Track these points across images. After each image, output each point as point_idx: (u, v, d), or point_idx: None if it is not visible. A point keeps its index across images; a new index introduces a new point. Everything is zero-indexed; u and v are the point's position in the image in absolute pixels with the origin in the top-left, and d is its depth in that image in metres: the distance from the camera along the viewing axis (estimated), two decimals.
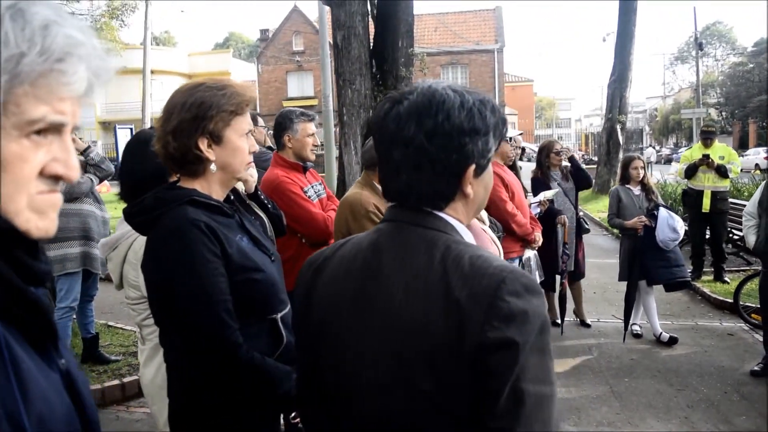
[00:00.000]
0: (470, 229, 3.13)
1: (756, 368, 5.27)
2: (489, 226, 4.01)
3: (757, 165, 34.74)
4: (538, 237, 4.95)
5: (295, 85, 38.96)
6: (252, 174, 2.85)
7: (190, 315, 1.66)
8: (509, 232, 4.77)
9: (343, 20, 7.08)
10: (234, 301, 1.69)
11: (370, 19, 7.71)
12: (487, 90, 35.80)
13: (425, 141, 1.14)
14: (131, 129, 17.79)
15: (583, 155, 34.90)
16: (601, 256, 10.15)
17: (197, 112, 1.70)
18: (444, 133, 1.13)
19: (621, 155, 17.89)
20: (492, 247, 3.42)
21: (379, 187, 3.10)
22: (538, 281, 5.25)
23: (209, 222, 1.70)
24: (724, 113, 57.63)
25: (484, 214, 3.50)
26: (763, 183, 5.30)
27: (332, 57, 7.63)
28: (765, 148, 41.07)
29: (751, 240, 5.22)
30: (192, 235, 1.66)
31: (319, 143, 3.93)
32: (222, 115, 1.73)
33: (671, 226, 5.71)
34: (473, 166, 1.16)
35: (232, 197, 1.96)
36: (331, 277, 1.27)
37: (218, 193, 1.83)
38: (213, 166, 1.76)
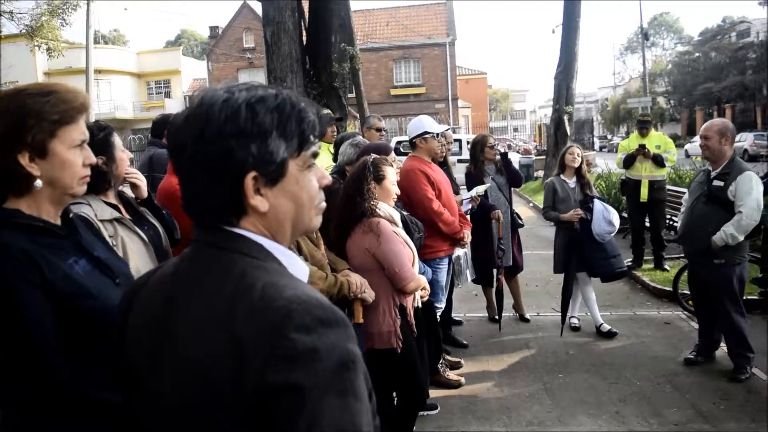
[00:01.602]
0: (380, 231, 3.01)
1: (689, 356, 5.30)
2: (411, 226, 3.91)
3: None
4: (467, 235, 4.87)
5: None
6: (141, 179, 2.68)
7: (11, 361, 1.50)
8: (437, 231, 4.68)
9: (272, 16, 6.88)
10: (65, 332, 1.53)
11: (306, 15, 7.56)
12: (439, 84, 35.89)
13: (193, 147, 1.01)
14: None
15: (536, 146, 35.23)
16: (546, 247, 10.10)
17: (14, 122, 1.52)
18: (208, 137, 1.00)
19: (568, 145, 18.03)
20: (405, 249, 3.32)
21: None
22: (469, 280, 5.21)
23: (27, 247, 1.52)
24: (672, 101, 58.87)
25: (396, 215, 3.39)
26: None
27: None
28: None
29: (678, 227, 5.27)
30: (3, 263, 1.48)
31: None
32: (44, 125, 1.55)
33: (606, 218, 5.69)
34: (253, 174, 1.02)
35: (70, 215, 1.76)
36: (139, 308, 1.13)
37: (49, 212, 1.64)
38: (38, 183, 1.58)
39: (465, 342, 5.86)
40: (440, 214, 4.61)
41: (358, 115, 19.41)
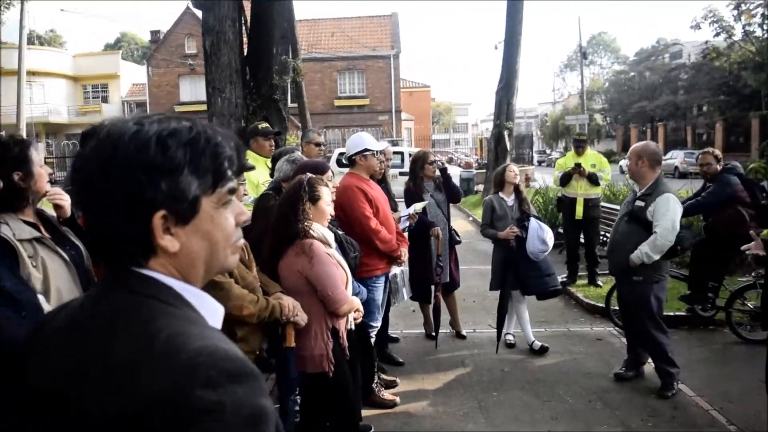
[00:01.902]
0: (313, 253, 2.95)
1: (619, 371, 5.42)
2: (346, 246, 3.87)
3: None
4: (404, 254, 4.85)
5: (188, 89, 37.69)
6: (65, 198, 2.57)
7: None
8: (374, 249, 4.65)
9: (211, 25, 6.75)
10: None
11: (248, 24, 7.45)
12: (383, 96, 36.06)
13: (100, 182, 0.95)
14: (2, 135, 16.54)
15: (477, 160, 35.67)
16: (485, 262, 10.17)
17: None
18: (115, 172, 0.95)
19: (509, 160, 18.34)
20: (338, 271, 3.27)
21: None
22: (406, 298, 5.19)
23: None
24: (608, 118, 60.69)
25: (330, 236, 3.34)
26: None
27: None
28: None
29: None
30: None
31: None
32: None
33: (540, 237, 5.77)
34: (162, 212, 0.97)
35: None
36: (41, 349, 1.05)
37: None
38: None
39: (401, 360, 5.83)
40: (377, 232, 4.58)
41: (300, 125, 19.24)
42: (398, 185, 6.66)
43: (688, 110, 48.62)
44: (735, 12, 38.50)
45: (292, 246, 3.22)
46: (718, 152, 6.73)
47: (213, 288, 2.81)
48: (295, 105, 20.66)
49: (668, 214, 4.80)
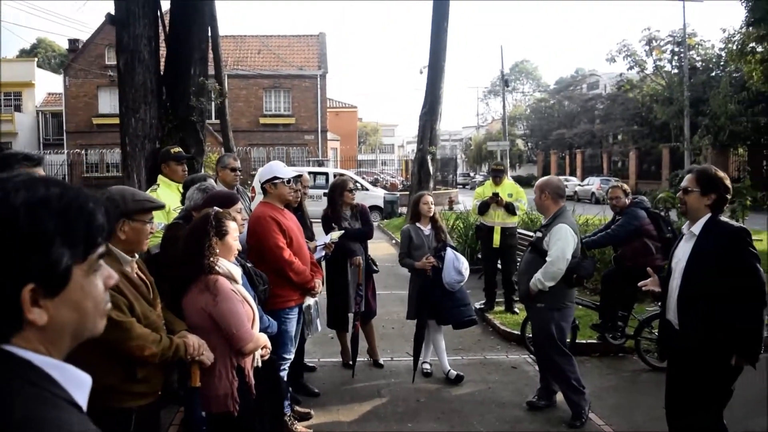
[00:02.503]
0: (217, 290, 2.84)
1: (532, 399, 5.48)
2: (255, 279, 3.78)
3: None
4: (318, 285, 4.78)
5: (107, 101, 36.36)
6: None
7: None
8: (288, 280, 4.56)
9: (126, 43, 6.53)
10: None
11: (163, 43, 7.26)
12: (309, 115, 35.98)
13: None
14: None
15: (402, 181, 35.99)
16: (405, 287, 10.11)
17: None
18: None
19: (432, 184, 18.57)
20: (244, 308, 3.18)
21: (115, 249, 2.73)
22: (319, 329, 5.11)
23: None
24: (529, 144, 62.58)
25: (236, 271, 3.24)
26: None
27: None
28: (563, 177, 45.03)
29: None
30: None
31: None
32: None
33: (456, 267, 5.81)
34: (32, 286, 0.91)
35: None
36: None
37: None
38: None
39: (316, 390, 5.72)
40: (291, 263, 4.49)
41: (223, 142, 18.89)
42: (322, 206, 6.57)
43: (604, 138, 50.70)
44: (647, 47, 40.61)
45: (197, 282, 3.10)
46: (626, 186, 7.00)
47: (114, 328, 2.66)
48: (218, 121, 20.33)
49: (559, 243, 4.96)
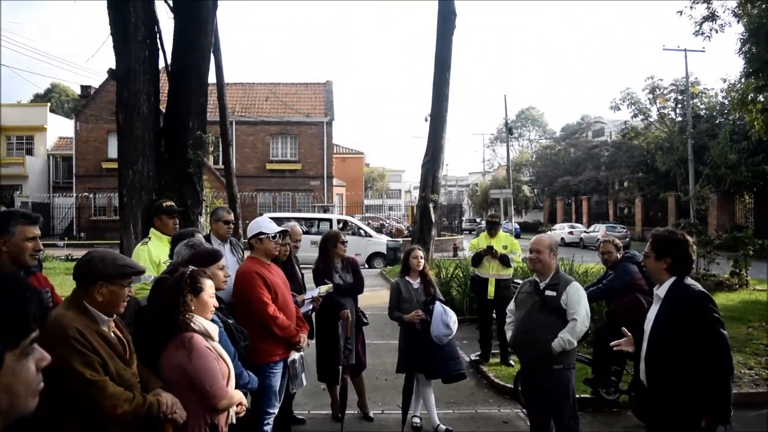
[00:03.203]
0: (192, 346, 2.90)
1: None
2: (236, 335, 3.83)
3: (562, 239, 38.01)
4: (303, 339, 4.82)
5: (116, 146, 37.09)
6: None
7: None
8: (272, 335, 4.60)
9: (126, 98, 6.73)
10: None
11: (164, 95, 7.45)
12: (315, 162, 36.37)
13: None
14: None
15: (408, 227, 36.07)
16: None
17: None
18: None
19: (434, 232, 18.63)
20: (220, 365, 3.22)
21: (93, 309, 2.80)
22: (304, 384, 5.12)
23: None
24: (535, 190, 62.76)
25: (212, 328, 3.29)
26: (522, 281, 5.51)
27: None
28: (569, 223, 45.05)
29: (509, 335, 5.25)
30: None
31: (42, 248, 3.57)
32: None
33: (444, 321, 5.83)
34: None
35: None
36: None
37: None
38: None
39: None
40: (275, 318, 4.54)
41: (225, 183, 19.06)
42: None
43: (609, 185, 50.89)
44: (650, 96, 41.08)
45: (173, 339, 3.16)
46: (618, 241, 7.02)
47: (87, 386, 2.71)
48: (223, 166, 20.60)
49: (582, 302, 4.93)
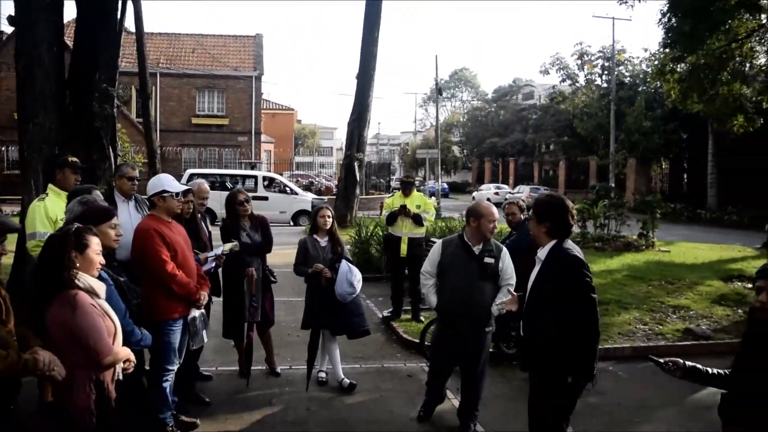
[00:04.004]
0: (76, 303, 2.92)
1: (420, 413, 5.64)
2: (128, 293, 3.85)
3: (488, 199, 38.81)
4: (204, 297, 4.85)
5: None
6: None
7: None
8: (172, 292, 4.62)
9: (25, 48, 6.45)
10: None
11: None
12: (243, 117, 35.71)
13: None
14: None
15: (337, 184, 36.10)
16: None
17: None
18: None
19: (358, 191, 18.75)
20: (105, 322, 3.25)
21: None
22: (205, 341, 5.18)
23: None
24: (465, 151, 63.59)
25: (98, 285, 3.30)
26: (439, 243, 5.65)
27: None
28: (495, 184, 45.98)
29: (433, 300, 5.35)
30: None
31: None
32: None
33: (349, 280, 5.96)
34: None
35: None
36: None
37: None
38: None
39: (207, 399, 5.77)
40: (173, 276, 4.55)
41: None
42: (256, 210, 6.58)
43: (536, 148, 52.07)
44: (579, 61, 41.99)
45: (57, 297, 3.16)
46: (522, 203, 7.28)
47: None
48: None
49: (511, 266, 5.22)
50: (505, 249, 5.32)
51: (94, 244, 3.30)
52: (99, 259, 3.34)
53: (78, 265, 3.21)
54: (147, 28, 26.79)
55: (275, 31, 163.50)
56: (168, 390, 4.78)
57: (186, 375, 5.48)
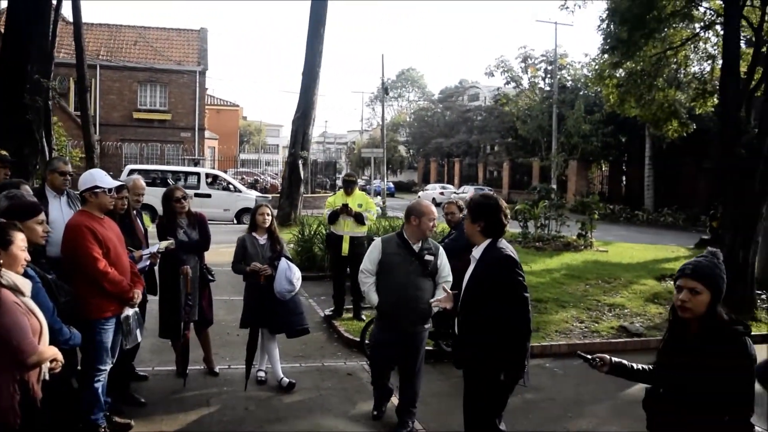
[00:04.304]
0: (1, 301, 2.82)
1: (374, 413, 5.64)
2: (56, 291, 3.75)
3: (433, 199, 39.25)
4: (137, 295, 4.76)
5: None
6: None
7: None
8: (104, 291, 4.51)
9: None
10: None
11: None
12: (187, 112, 35.06)
13: None
14: None
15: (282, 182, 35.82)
16: None
17: None
18: None
19: (303, 189, 18.66)
20: (30, 320, 3.16)
21: None
22: (139, 340, 5.08)
23: None
24: (411, 151, 63.98)
25: (23, 282, 3.20)
26: (379, 240, 5.64)
27: None
28: (441, 184, 46.44)
29: (374, 298, 5.31)
30: None
31: None
32: None
33: (288, 278, 5.94)
34: None
35: None
36: None
37: None
38: None
39: (143, 400, 5.65)
40: (106, 273, 4.45)
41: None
42: (194, 207, 6.46)
43: (480, 149, 52.74)
44: (523, 64, 42.75)
45: None
46: (461, 202, 7.38)
47: None
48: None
49: (448, 264, 5.30)
50: (441, 247, 5.40)
51: (19, 240, 3.20)
52: (24, 256, 3.24)
53: (1, 261, 3.11)
54: (87, 18, 26.17)
55: (221, 26, 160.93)
56: (100, 390, 4.67)
57: (120, 375, 5.37)
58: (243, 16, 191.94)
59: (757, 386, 2.92)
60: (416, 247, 5.20)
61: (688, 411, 2.78)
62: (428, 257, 5.21)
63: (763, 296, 10.82)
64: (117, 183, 4.82)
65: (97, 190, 4.57)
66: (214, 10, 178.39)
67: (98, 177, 4.66)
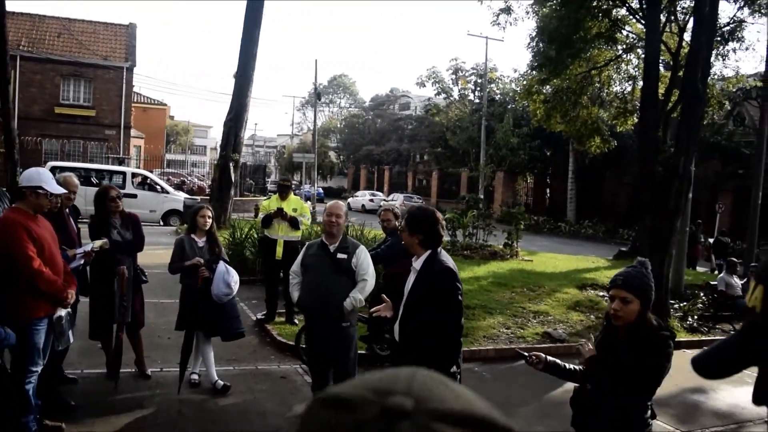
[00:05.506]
0: None
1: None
2: None
3: (363, 206, 39.54)
4: (71, 295, 4.67)
5: None
6: None
7: None
8: (37, 290, 4.41)
9: None
10: None
11: None
12: (112, 109, 34.03)
13: None
14: None
15: (210, 184, 35.19)
16: None
17: None
18: None
19: (233, 192, 18.46)
20: None
21: None
22: (71, 341, 4.99)
23: None
24: (342, 157, 64.06)
25: None
26: (306, 245, 5.76)
27: None
28: (370, 191, 46.76)
29: (295, 295, 5.48)
30: None
31: None
32: None
33: (226, 281, 5.94)
34: None
35: None
36: None
37: None
38: None
39: (73, 403, 5.53)
40: (40, 273, 4.35)
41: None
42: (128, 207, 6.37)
43: (410, 157, 53.38)
44: (453, 76, 43.63)
45: None
46: (397, 210, 7.55)
47: None
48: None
49: (371, 264, 5.41)
50: (362, 247, 5.50)
51: None
52: None
53: None
54: (9, 6, 25.04)
55: (150, 23, 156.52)
56: (31, 393, 4.55)
57: (50, 377, 5.24)
58: (173, 13, 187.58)
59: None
60: (332, 247, 5.35)
61: (609, 401, 3.05)
62: (341, 255, 5.36)
63: (676, 305, 11.50)
64: (62, 190, 4.74)
65: (40, 191, 4.47)
66: (145, 7, 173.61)
67: (45, 179, 4.55)
